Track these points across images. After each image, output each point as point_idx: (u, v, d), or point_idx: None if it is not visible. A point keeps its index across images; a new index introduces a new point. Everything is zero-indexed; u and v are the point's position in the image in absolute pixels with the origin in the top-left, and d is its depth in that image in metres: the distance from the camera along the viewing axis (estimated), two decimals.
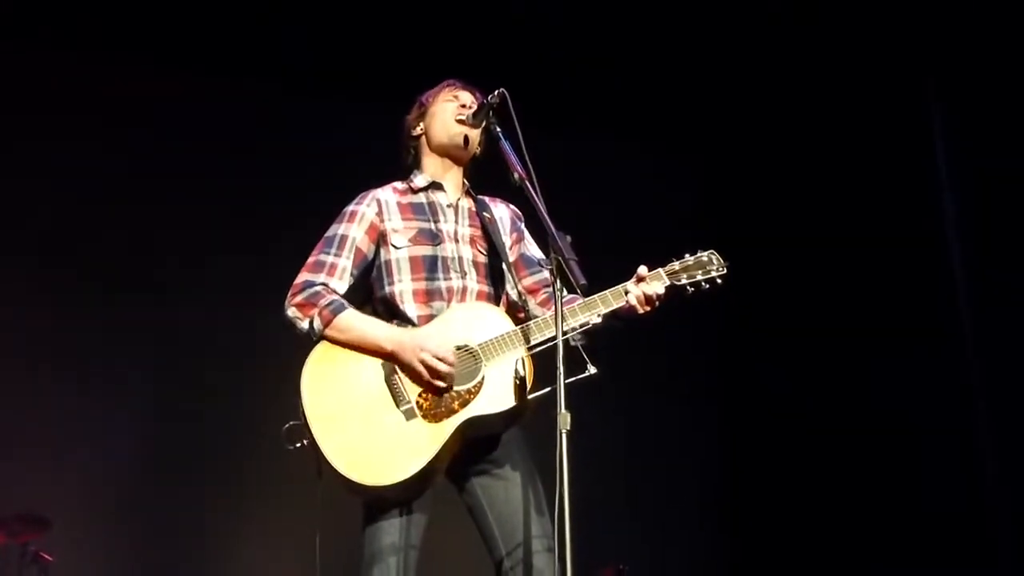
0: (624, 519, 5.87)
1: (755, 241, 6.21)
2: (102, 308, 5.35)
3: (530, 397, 2.71)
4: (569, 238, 2.57)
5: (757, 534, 6.25)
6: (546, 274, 3.05)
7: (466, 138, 3.04)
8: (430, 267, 2.92)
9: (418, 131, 3.15)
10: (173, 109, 5.65)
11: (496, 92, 2.86)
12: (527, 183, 2.68)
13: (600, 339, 2.85)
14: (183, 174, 5.60)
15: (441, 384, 2.72)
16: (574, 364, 2.65)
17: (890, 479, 5.71)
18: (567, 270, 2.51)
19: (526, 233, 3.16)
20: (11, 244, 5.25)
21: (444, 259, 2.93)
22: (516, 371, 2.71)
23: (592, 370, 2.68)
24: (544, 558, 2.69)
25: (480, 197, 3.14)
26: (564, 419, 2.37)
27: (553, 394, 2.43)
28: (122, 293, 5.38)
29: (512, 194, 2.81)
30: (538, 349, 2.75)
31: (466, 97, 3.10)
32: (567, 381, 2.43)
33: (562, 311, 2.55)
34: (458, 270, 2.93)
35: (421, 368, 2.72)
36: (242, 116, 5.76)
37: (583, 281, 2.51)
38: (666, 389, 6.34)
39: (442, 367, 2.71)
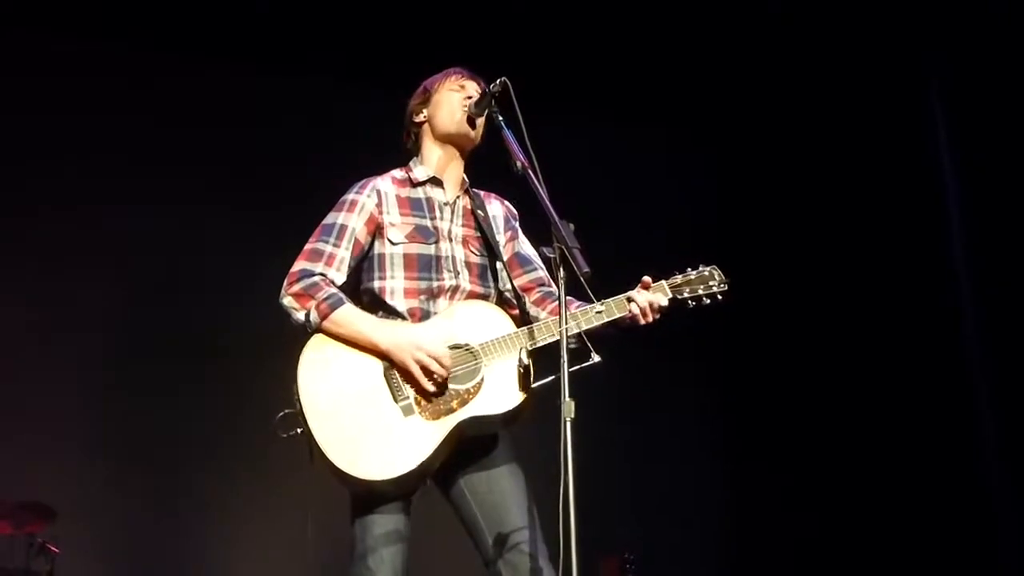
0: (629, 508, 5.87)
1: (756, 236, 6.22)
2: (102, 298, 5.35)
3: (535, 386, 2.70)
4: (572, 226, 2.56)
5: (763, 522, 6.25)
6: (540, 273, 3.05)
7: (473, 122, 3.01)
8: (424, 266, 2.90)
9: (421, 117, 3.11)
10: (169, 94, 5.67)
11: (498, 80, 2.83)
12: (529, 172, 2.66)
13: (592, 341, 2.82)
14: (172, 158, 5.62)
15: (432, 388, 2.70)
16: (578, 352, 2.64)
17: (891, 478, 5.74)
18: (570, 258, 2.50)
19: (520, 231, 3.14)
20: (12, 235, 5.26)
21: (438, 258, 2.91)
22: (520, 360, 2.69)
23: (596, 358, 2.67)
24: (528, 553, 2.65)
25: (476, 192, 3.12)
26: (568, 407, 2.36)
27: (557, 383, 2.42)
28: (123, 282, 5.38)
29: (514, 183, 2.79)
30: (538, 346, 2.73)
31: (472, 88, 3.05)
32: (571, 369, 2.43)
33: (565, 305, 2.52)
34: (451, 269, 2.92)
35: (416, 368, 2.70)
36: (232, 100, 5.77)
37: (586, 269, 2.49)
38: (671, 378, 6.34)
39: (436, 367, 2.69)
